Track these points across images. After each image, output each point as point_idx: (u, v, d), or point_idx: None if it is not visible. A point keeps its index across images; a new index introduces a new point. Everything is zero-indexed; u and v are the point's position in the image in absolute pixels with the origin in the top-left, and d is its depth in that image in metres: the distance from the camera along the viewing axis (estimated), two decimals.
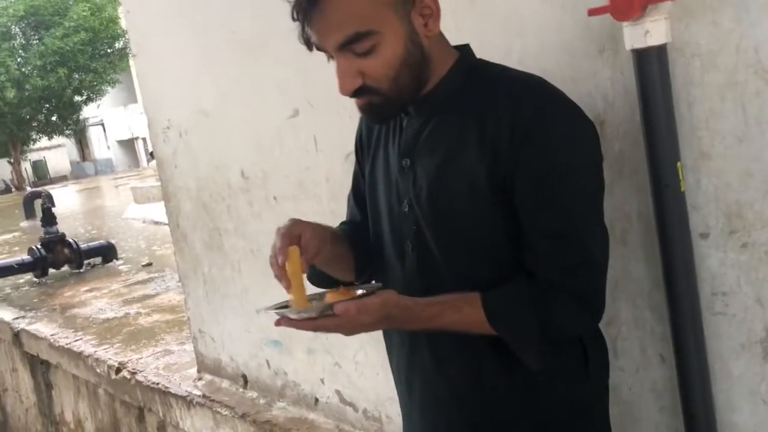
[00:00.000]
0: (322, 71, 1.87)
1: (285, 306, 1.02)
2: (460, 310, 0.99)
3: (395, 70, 0.97)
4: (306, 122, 1.96)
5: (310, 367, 2.17)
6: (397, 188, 1.09)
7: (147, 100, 2.64)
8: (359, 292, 1.02)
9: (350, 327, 0.97)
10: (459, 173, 1.00)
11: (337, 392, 2.10)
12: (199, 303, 2.66)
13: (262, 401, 2.40)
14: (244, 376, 2.52)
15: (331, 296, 1.01)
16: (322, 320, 0.96)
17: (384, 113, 1.04)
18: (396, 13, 0.96)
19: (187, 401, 2.66)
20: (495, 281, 1.00)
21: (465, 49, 1.07)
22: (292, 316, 0.97)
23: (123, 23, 18.80)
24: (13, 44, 19.73)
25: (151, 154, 20.76)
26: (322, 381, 2.14)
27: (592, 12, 1.05)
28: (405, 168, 1.07)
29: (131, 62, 22.00)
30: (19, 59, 19.93)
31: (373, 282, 1.11)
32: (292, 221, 1.09)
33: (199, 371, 2.79)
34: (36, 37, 19.68)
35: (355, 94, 1.00)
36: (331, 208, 1.89)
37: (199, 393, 2.62)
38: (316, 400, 2.19)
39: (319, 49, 1.00)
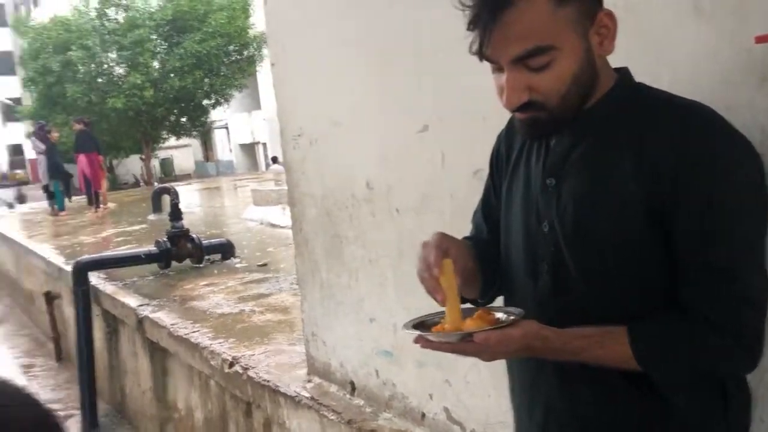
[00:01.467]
0: (453, 87, 1.89)
1: (422, 322, 1.03)
2: (603, 345, 0.96)
3: (566, 87, 0.97)
4: (434, 137, 1.98)
5: (419, 381, 2.18)
6: (537, 207, 1.07)
7: (281, 108, 2.74)
8: (498, 315, 1.01)
9: (489, 355, 0.99)
10: (611, 196, 0.97)
11: (446, 410, 2.08)
12: (314, 307, 2.72)
13: (368, 410, 2.43)
14: (352, 383, 2.56)
15: (471, 322, 1.00)
16: (461, 344, 0.97)
17: (545, 129, 1.03)
18: (575, 31, 0.96)
19: (296, 401, 2.73)
20: (637, 308, 0.97)
21: (624, 71, 1.05)
22: (432, 339, 0.99)
23: (251, 32, 19.60)
24: (155, 47, 21.09)
25: (273, 159, 21.45)
26: (431, 396, 2.13)
27: (761, 39, 1.00)
28: (549, 187, 1.05)
29: (259, 71, 22.86)
30: (158, 62, 21.30)
31: (511, 308, 1.09)
32: (438, 235, 1.09)
33: (308, 373, 2.86)
34: (175, 40, 20.94)
35: (520, 108, 1.00)
36: (454, 224, 1.89)
37: (307, 395, 2.68)
38: (423, 415, 2.18)
39: (489, 60, 1.00)
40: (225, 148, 32.98)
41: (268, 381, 2.96)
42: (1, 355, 7.74)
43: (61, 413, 5.65)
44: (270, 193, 8.40)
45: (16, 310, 10.12)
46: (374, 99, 2.20)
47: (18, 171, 45.06)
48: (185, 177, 29.68)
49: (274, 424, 3.06)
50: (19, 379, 6.81)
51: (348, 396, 2.57)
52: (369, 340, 2.38)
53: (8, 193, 20.96)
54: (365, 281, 2.35)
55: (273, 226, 7.85)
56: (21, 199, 17.68)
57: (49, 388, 6.39)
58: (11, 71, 42.77)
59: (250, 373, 3.13)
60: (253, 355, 3.31)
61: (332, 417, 2.45)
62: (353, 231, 2.38)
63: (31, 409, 0.58)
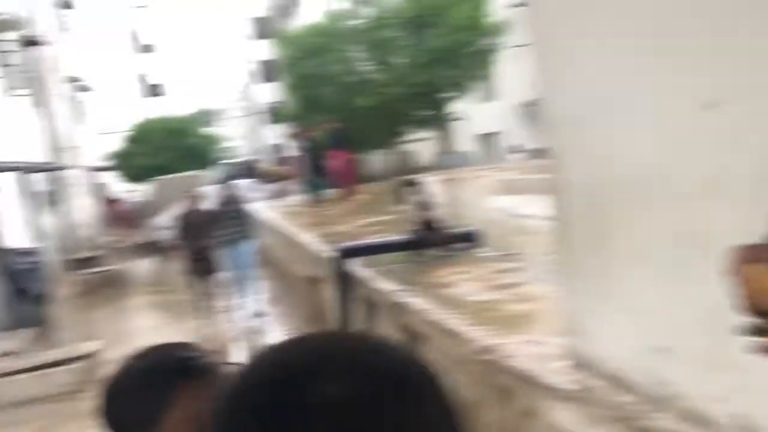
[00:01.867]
0: (747, 57, 1.69)
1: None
2: None
3: None
4: (722, 115, 1.79)
5: (703, 383, 2.00)
6: None
7: (545, 93, 2.68)
8: None
9: None
10: None
11: (735, 416, 1.89)
12: (578, 298, 2.63)
13: (640, 408, 2.29)
14: (621, 379, 2.43)
15: None
16: None
17: None
18: None
19: (559, 394, 2.67)
20: None
21: None
22: None
23: (490, 21, 19.54)
24: (399, 44, 22.06)
25: (514, 148, 21.23)
26: (717, 400, 1.95)
27: None
28: None
29: (498, 61, 22.79)
30: (404, 58, 22.25)
31: None
32: None
33: (571, 366, 2.77)
34: (418, 36, 21.71)
35: None
36: (751, 212, 1.70)
37: (571, 387, 2.60)
38: (707, 420, 2.00)
39: None
40: (464, 140, 33.47)
41: (527, 371, 2.93)
42: (276, 332, 8.65)
43: None
44: (515, 182, 8.34)
45: (286, 293, 11.23)
46: (649, 77, 2.05)
47: (281, 167, 50.06)
48: (426, 169, 30.65)
49: (532, 414, 3.02)
50: None
51: (616, 392, 2.44)
52: (642, 335, 2.24)
53: (272, 189, 23.33)
54: (638, 272, 2.21)
55: (519, 216, 7.79)
56: (282, 194, 19.55)
57: None
58: (276, 78, 47.60)
59: (507, 362, 3.12)
60: (510, 343, 3.30)
61: (600, 412, 2.35)
62: (624, 218, 2.25)
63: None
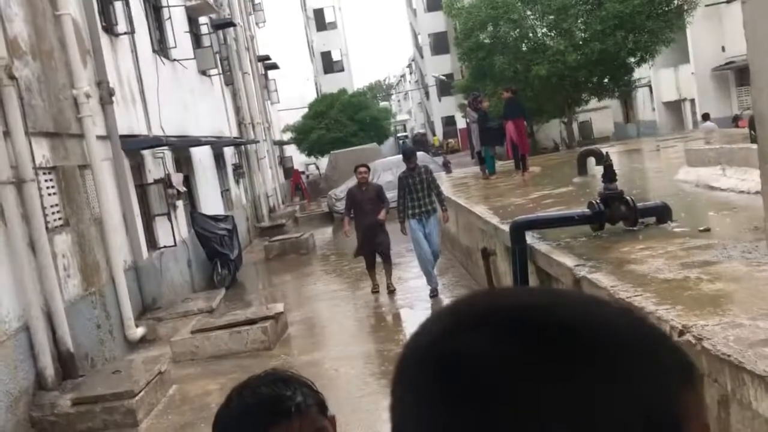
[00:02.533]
0: None
1: None
2: None
3: None
4: None
5: None
6: None
7: (753, 50, 2.42)
8: None
9: None
10: None
11: None
12: None
13: None
14: None
15: None
16: None
17: None
18: None
19: (763, 380, 2.44)
20: None
21: None
22: None
23: None
24: (578, 11, 21.12)
25: (704, 116, 19.63)
26: None
27: None
28: None
29: (688, 23, 21.23)
30: (581, 26, 21.30)
31: None
32: None
33: None
34: (596, 3, 20.68)
35: None
36: None
37: None
38: None
39: None
40: (647, 108, 31.48)
41: (728, 355, 2.70)
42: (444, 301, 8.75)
43: None
44: (707, 152, 7.70)
45: (455, 263, 11.29)
46: None
47: (450, 140, 50.20)
48: (604, 139, 29.27)
49: (733, 401, 2.79)
50: None
51: None
52: None
53: (444, 161, 23.43)
54: None
55: (711, 188, 7.20)
56: (454, 166, 19.58)
57: None
58: (445, 50, 47.57)
59: (705, 344, 2.90)
60: (706, 325, 3.06)
61: None
62: None
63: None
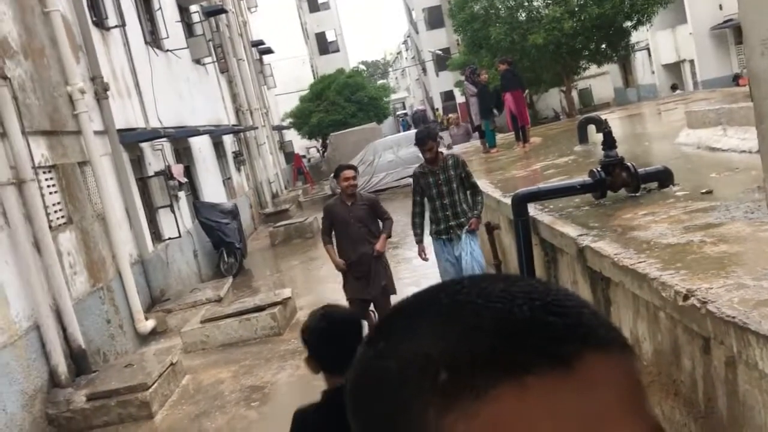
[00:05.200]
0: None
1: None
2: None
3: None
4: None
5: None
6: None
7: (744, 11, 2.38)
8: None
9: None
10: None
11: None
12: None
13: None
14: None
15: None
16: None
17: None
18: None
19: None
20: None
21: None
22: None
23: None
24: None
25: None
26: None
27: None
28: None
29: None
30: None
31: None
32: None
33: None
34: None
35: None
36: None
37: None
38: None
39: None
40: (646, 71, 31.24)
41: (733, 317, 2.69)
42: None
43: None
44: (707, 113, 7.63)
45: None
46: None
47: (451, 115, 50.03)
48: (604, 106, 29.13)
49: (740, 363, 2.79)
50: None
51: None
52: None
53: (445, 136, 23.35)
54: None
55: (712, 149, 7.15)
56: (455, 140, 19.48)
57: None
58: (440, 24, 47.20)
59: (710, 307, 2.89)
60: (711, 288, 3.05)
61: None
62: None
63: None
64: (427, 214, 6.63)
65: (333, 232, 6.52)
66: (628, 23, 21.74)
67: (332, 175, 24.68)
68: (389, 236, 6.63)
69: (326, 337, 2.20)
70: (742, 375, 2.81)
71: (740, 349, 2.68)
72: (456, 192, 6.45)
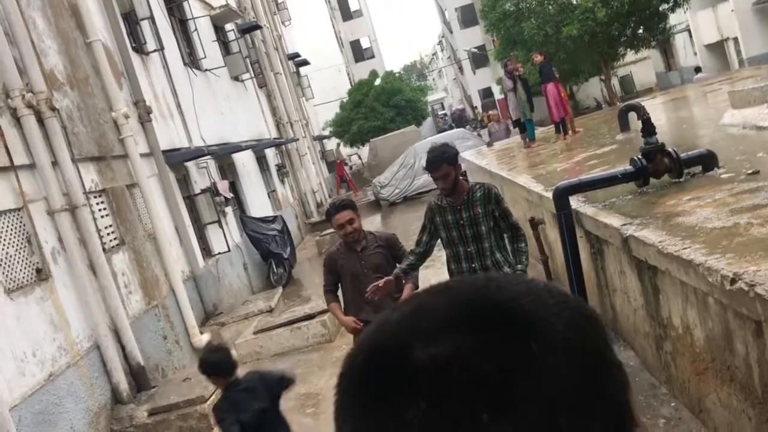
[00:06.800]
0: None
1: None
2: None
3: None
4: None
5: None
6: None
7: None
8: None
9: None
10: None
11: None
12: None
13: None
14: None
15: None
16: None
17: None
18: None
19: None
20: None
21: None
22: None
23: None
24: None
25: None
26: None
27: None
28: None
29: None
30: None
31: None
32: None
33: None
34: None
35: None
36: None
37: None
38: None
39: None
40: (688, 53, 30.51)
41: None
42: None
43: None
44: (752, 91, 7.44)
45: None
46: None
47: (491, 112, 49.72)
48: (647, 91, 28.56)
49: None
50: None
51: None
52: None
53: (486, 133, 23.19)
54: None
55: (759, 128, 6.97)
56: (497, 137, 19.35)
57: None
58: (474, 22, 46.98)
59: (758, 290, 2.84)
60: (759, 270, 2.99)
61: None
62: None
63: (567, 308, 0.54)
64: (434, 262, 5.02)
65: (337, 287, 5.14)
66: (665, 5, 21.30)
67: (374, 180, 24.32)
68: (416, 287, 4.84)
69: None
70: None
71: None
72: (486, 237, 4.66)
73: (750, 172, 4.99)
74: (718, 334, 3.56)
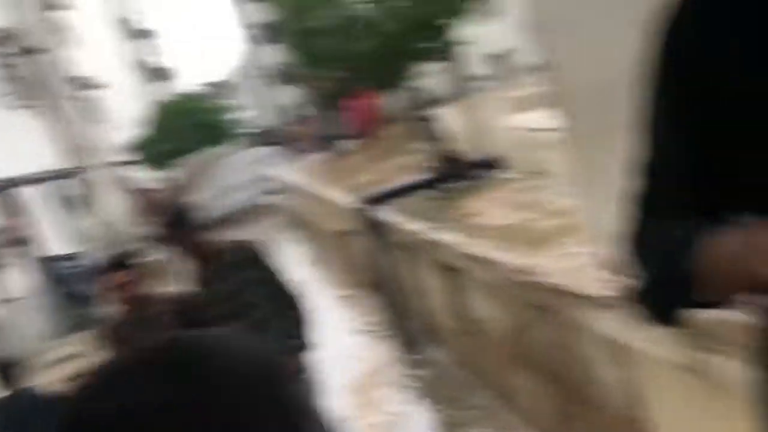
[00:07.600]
0: None
1: None
2: None
3: None
4: None
5: None
6: None
7: None
8: None
9: None
10: None
11: None
12: (596, 206, 2.57)
13: None
14: None
15: None
16: None
17: None
18: None
19: (596, 302, 2.64)
20: None
21: None
22: None
23: None
24: None
25: (530, 63, 20.71)
26: None
27: None
28: None
29: None
30: None
31: None
32: None
33: (602, 273, 2.73)
34: None
35: None
36: None
37: (606, 294, 2.57)
38: None
39: None
40: (476, 64, 32.73)
41: (565, 285, 2.90)
42: (324, 290, 8.71)
43: (380, 335, 6.23)
44: (528, 98, 8.15)
45: (322, 252, 11.29)
46: None
47: (297, 127, 49.91)
48: (443, 101, 30.14)
49: (575, 327, 3.01)
50: (342, 310, 7.53)
51: None
52: None
53: (294, 150, 23.26)
54: None
55: (536, 131, 7.64)
56: (305, 153, 19.52)
57: (365, 314, 7.04)
58: (276, 39, 47.03)
59: (541, 279, 3.09)
60: (545, 261, 3.26)
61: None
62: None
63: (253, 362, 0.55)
64: None
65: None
66: (447, 20, 22.59)
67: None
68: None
69: None
70: (581, 338, 3.03)
71: (573, 314, 2.89)
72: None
73: (532, 171, 5.44)
74: (514, 324, 3.83)
